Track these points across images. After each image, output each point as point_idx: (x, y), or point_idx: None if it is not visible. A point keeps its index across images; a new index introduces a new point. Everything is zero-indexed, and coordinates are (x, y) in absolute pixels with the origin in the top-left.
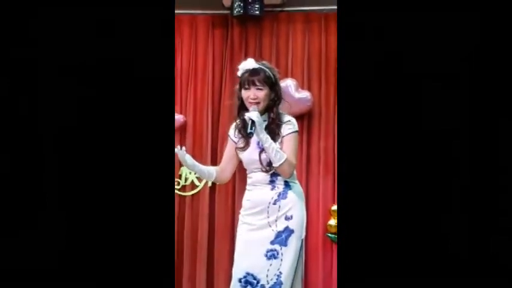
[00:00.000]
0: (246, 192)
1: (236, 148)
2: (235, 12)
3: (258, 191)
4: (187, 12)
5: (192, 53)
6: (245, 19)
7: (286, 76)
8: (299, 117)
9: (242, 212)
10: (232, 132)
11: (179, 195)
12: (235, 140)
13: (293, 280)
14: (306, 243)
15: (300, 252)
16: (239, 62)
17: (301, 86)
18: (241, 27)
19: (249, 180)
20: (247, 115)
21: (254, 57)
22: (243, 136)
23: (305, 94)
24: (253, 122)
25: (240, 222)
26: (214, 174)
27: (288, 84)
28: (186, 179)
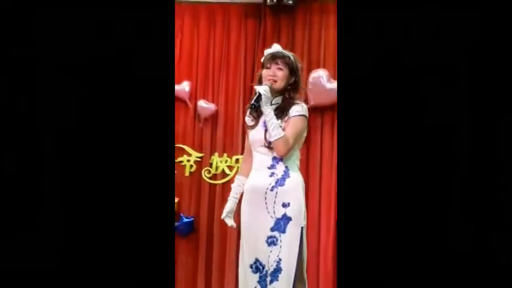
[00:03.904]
0: (249, 177)
1: (246, 127)
2: (268, 1)
3: (257, 177)
4: (221, 1)
5: (224, 42)
6: (278, 9)
7: (318, 66)
8: (330, 108)
9: (244, 196)
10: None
11: (210, 183)
12: (247, 120)
13: (296, 267)
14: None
15: (300, 240)
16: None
17: (333, 76)
18: (274, 17)
19: (253, 165)
20: (256, 87)
21: (287, 47)
22: (254, 118)
23: (336, 85)
24: (259, 94)
25: (242, 210)
26: (244, 178)
27: (320, 75)
28: (216, 168)
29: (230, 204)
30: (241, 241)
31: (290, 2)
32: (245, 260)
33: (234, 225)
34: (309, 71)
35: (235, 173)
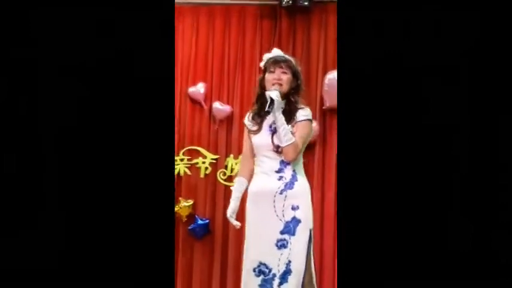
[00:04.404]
0: (253, 181)
1: (249, 132)
2: (284, 2)
3: (265, 181)
4: (237, 2)
5: (239, 43)
6: (294, 10)
7: (334, 68)
8: None
9: (249, 200)
10: (247, 118)
11: (225, 185)
12: (249, 125)
13: (305, 269)
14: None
15: (309, 242)
16: (287, 52)
17: None
18: (290, 18)
19: (257, 169)
20: (267, 93)
21: (302, 48)
22: (256, 122)
23: None
24: (272, 100)
25: (248, 214)
26: (246, 182)
27: (336, 76)
28: (232, 170)
29: (234, 204)
30: (245, 245)
31: (306, 3)
32: (248, 263)
33: (239, 224)
34: (325, 72)
35: None
